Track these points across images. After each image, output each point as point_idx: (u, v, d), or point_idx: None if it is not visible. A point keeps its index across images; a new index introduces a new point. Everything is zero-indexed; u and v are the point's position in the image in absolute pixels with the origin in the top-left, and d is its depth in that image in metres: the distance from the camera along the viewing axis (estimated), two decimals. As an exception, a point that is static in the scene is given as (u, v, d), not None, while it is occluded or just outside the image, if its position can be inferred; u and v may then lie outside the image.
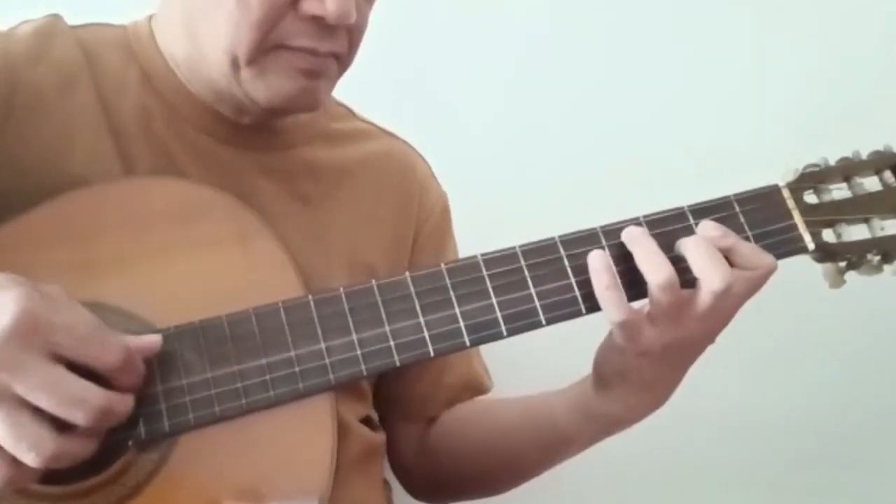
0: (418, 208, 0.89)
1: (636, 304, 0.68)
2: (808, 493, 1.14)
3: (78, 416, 0.56)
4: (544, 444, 0.82)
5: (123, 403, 0.60)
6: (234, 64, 0.71)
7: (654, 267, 0.66)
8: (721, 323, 0.69)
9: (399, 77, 1.13)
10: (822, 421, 1.14)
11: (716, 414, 1.13)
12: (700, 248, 0.67)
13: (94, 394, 0.57)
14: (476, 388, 0.92)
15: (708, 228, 0.69)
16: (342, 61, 0.76)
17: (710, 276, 0.66)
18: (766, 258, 0.69)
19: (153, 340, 0.64)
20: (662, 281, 0.65)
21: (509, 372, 0.96)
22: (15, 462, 0.55)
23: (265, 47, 0.70)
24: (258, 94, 0.72)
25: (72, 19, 0.79)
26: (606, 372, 0.73)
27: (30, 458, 0.55)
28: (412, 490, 0.95)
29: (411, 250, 0.89)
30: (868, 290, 1.06)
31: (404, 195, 0.88)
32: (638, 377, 0.71)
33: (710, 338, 0.71)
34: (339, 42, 0.73)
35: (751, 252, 0.68)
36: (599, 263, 0.67)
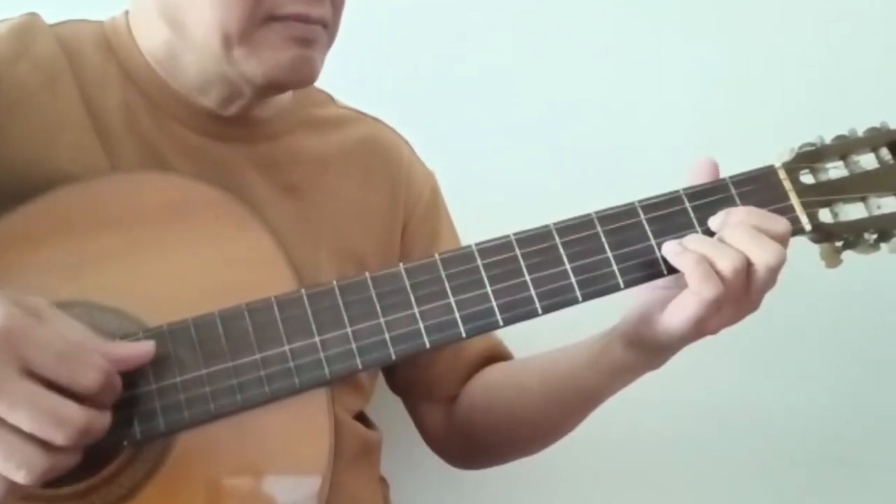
0: (406, 195, 0.88)
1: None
2: (807, 492, 1.14)
3: (58, 436, 0.55)
4: (571, 405, 0.82)
5: (101, 420, 0.58)
6: (227, 43, 0.70)
7: (763, 246, 0.66)
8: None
9: (396, 69, 1.12)
10: (822, 418, 1.14)
11: (715, 410, 1.13)
12: (743, 229, 0.67)
13: (76, 414, 0.56)
14: (498, 356, 0.91)
15: (739, 211, 0.69)
16: (329, 31, 0.75)
17: (763, 254, 0.66)
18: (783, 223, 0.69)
19: (145, 350, 0.63)
20: (776, 261, 0.66)
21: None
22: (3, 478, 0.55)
23: (256, 20, 0.69)
24: (254, 70, 0.71)
25: (49, 18, 0.78)
26: (648, 343, 0.73)
27: (20, 476, 0.54)
28: (449, 460, 0.94)
29: (402, 238, 0.88)
30: (869, 286, 1.07)
31: (391, 181, 0.88)
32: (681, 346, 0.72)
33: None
34: (326, 7, 0.73)
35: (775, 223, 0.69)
36: (697, 277, 0.66)
